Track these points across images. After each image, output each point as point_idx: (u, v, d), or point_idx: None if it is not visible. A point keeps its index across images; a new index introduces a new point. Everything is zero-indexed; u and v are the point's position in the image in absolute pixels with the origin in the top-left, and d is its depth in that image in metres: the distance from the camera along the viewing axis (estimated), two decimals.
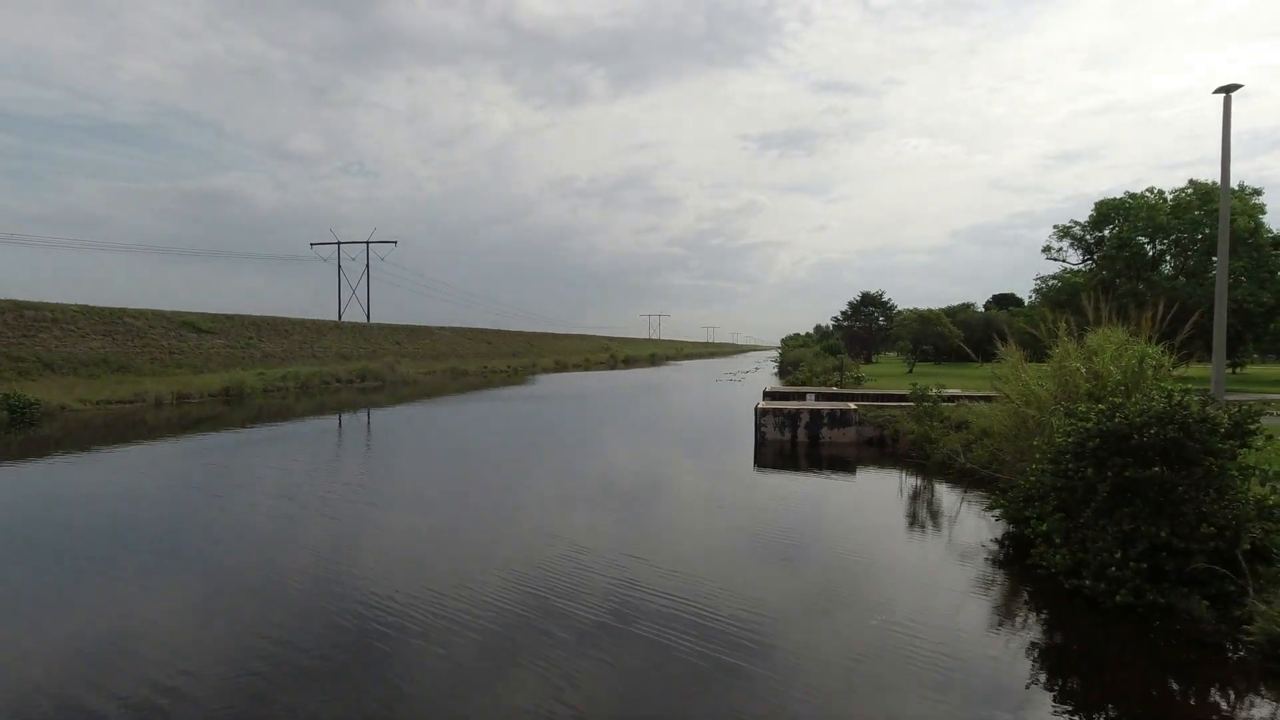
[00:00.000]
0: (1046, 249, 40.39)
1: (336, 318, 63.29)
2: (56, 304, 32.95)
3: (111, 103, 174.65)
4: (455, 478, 13.44)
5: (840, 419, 17.23)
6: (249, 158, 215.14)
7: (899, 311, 61.20)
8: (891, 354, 66.61)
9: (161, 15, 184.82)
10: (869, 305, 68.97)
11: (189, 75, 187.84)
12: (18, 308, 30.75)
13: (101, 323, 33.74)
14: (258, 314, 45.62)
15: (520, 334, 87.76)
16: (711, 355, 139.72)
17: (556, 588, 7.14)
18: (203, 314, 40.82)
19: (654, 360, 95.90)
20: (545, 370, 64.18)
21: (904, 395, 18.02)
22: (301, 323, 49.20)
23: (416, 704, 4.92)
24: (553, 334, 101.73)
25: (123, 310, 35.84)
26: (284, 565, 8.03)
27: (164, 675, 5.22)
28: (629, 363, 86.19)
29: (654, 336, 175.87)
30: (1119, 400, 7.52)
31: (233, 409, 26.44)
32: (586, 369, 69.25)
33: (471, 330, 75.18)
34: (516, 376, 53.57)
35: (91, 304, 34.77)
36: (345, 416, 25.26)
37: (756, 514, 10.74)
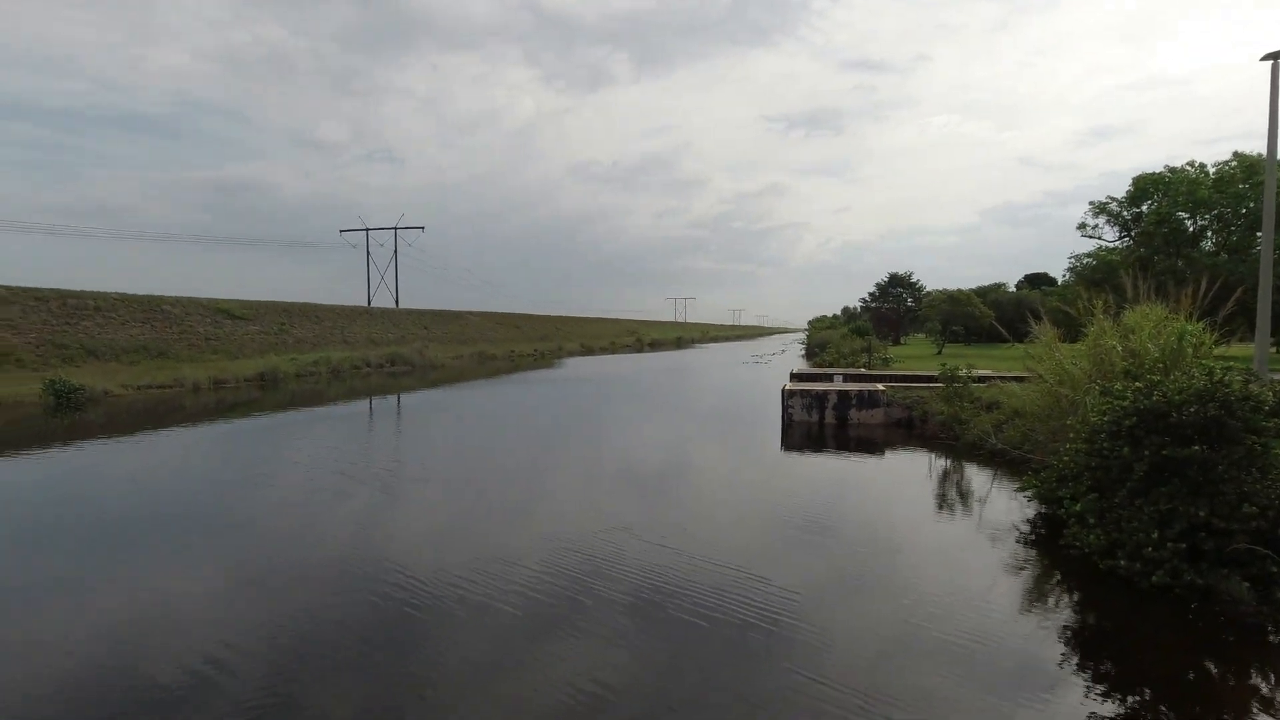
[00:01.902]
0: (1081, 226, 39.38)
1: (366, 303, 64.13)
2: (97, 292, 33.85)
3: (138, 94, 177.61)
4: (491, 459, 13.61)
5: (868, 400, 17.10)
6: (275, 147, 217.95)
7: (927, 292, 60.26)
8: (920, 335, 65.71)
9: (186, 6, 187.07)
10: (897, 286, 67.96)
11: (214, 65, 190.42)
12: (61, 296, 31.66)
13: (140, 310, 34.60)
14: (289, 300, 46.43)
15: (546, 317, 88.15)
16: (737, 338, 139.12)
17: (591, 564, 7.26)
18: (237, 301, 41.63)
19: (680, 343, 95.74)
20: (571, 354, 64.46)
21: (933, 376, 17.82)
22: (332, 308, 49.97)
23: (464, 667, 5.08)
24: (578, 318, 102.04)
25: (160, 298, 36.70)
26: (332, 541, 8.24)
27: (209, 648, 5.41)
28: (655, 346, 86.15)
29: (679, 320, 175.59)
30: (1157, 378, 7.37)
31: (267, 393, 27.00)
32: (612, 352, 69.40)
33: (498, 315, 75.70)
34: (543, 360, 53.89)
35: (130, 292, 35.67)
36: (379, 400, 25.66)
37: (785, 495, 10.74)
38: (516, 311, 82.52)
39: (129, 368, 29.27)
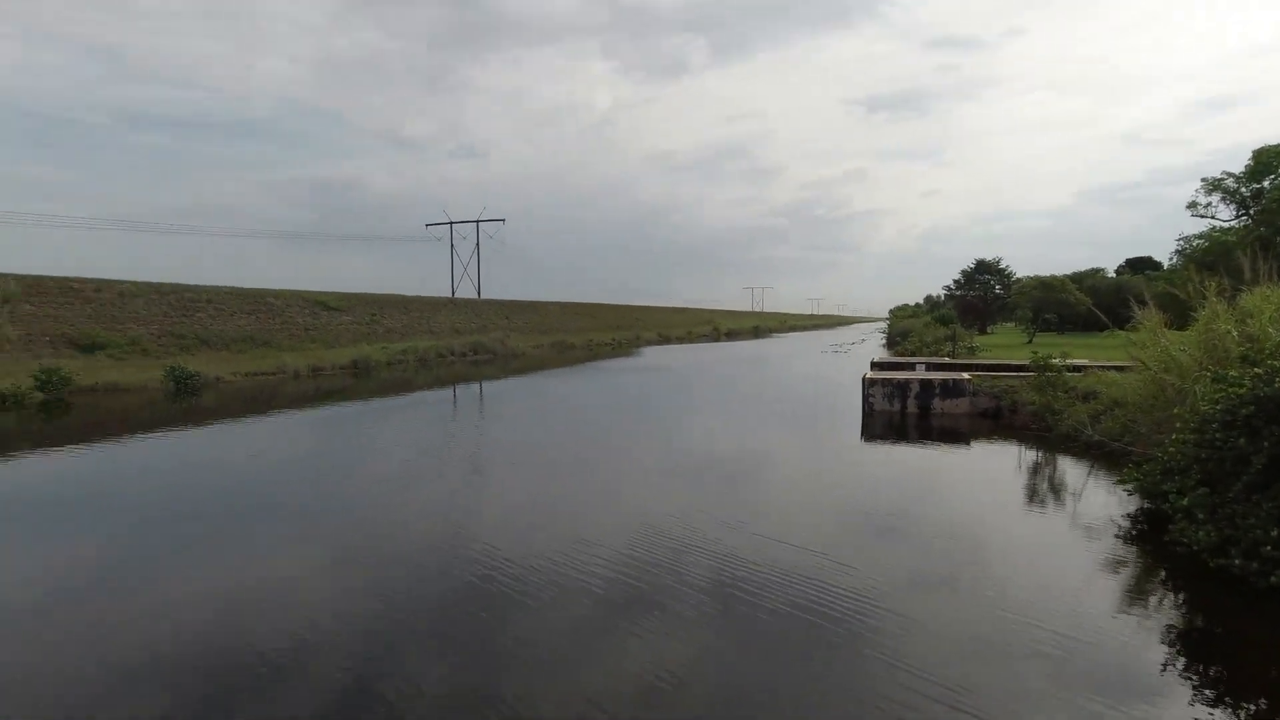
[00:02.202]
0: (1192, 205, 36.72)
1: (450, 294, 66.28)
2: (210, 286, 36.36)
3: (247, 101, 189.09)
4: (573, 444, 13.95)
5: (953, 389, 16.57)
6: (367, 145, 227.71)
7: (1017, 279, 57.45)
8: (1009, 324, 62.76)
9: (290, 15, 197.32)
10: (984, 273, 64.91)
11: (314, 70, 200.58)
12: (179, 290, 34.18)
13: (247, 303, 36.94)
14: (380, 292, 48.59)
15: (624, 307, 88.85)
16: (816, 327, 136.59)
17: (670, 548, 7.37)
18: (332, 293, 43.85)
19: (757, 332, 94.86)
20: (648, 343, 64.83)
21: (1023, 365, 17.10)
22: (419, 300, 51.95)
23: (547, 644, 5.28)
24: (655, 307, 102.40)
25: (264, 291, 39.07)
26: (424, 520, 8.70)
27: (307, 620, 5.77)
28: (731, 335, 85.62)
29: (757, 309, 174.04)
30: (1279, 364, 6.89)
31: (360, 380, 28.40)
32: (689, 342, 69.41)
33: (576, 304, 76.83)
34: (621, 349, 54.44)
35: (238, 286, 38.14)
36: (464, 387, 26.59)
37: (864, 486, 10.59)
38: (595, 301, 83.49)
39: (237, 356, 31.35)
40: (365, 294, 46.71)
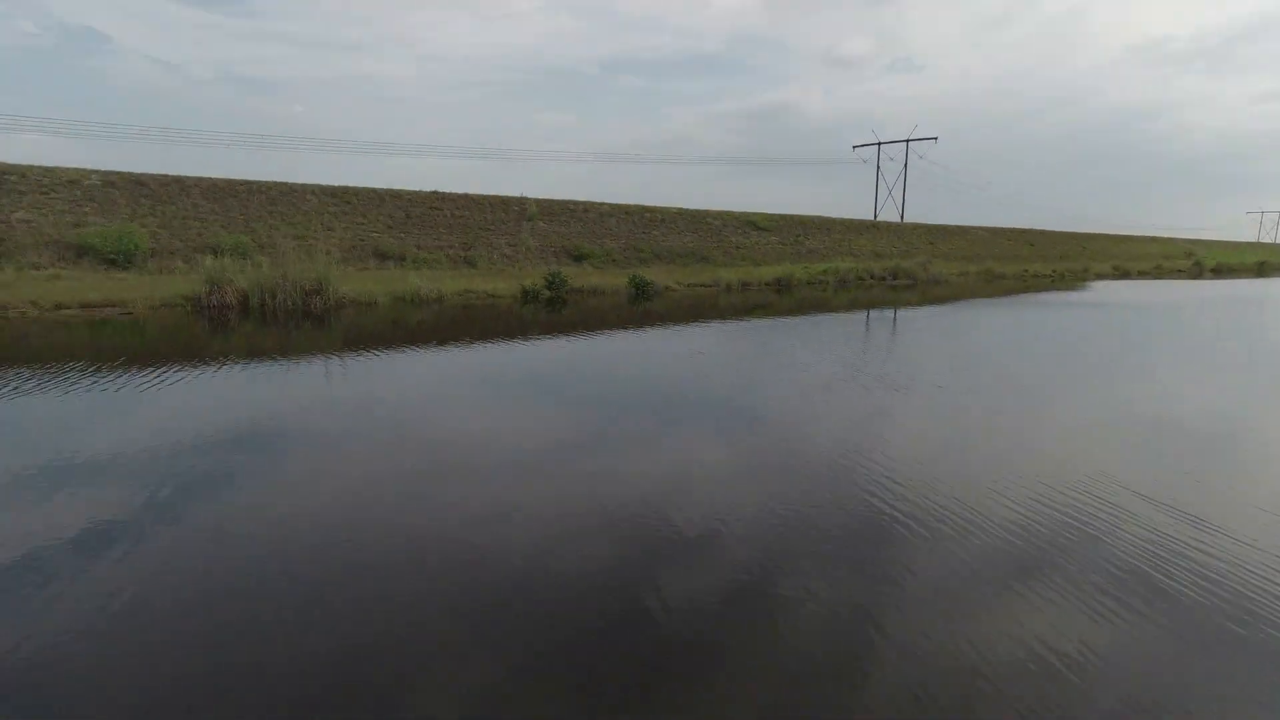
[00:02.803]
0: None
1: (872, 217, 65.20)
2: (662, 208, 42.24)
3: (701, 36, 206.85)
4: (985, 382, 13.34)
5: None
6: (804, 70, 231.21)
7: None
8: None
9: None
10: None
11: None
12: (640, 211, 40.51)
13: (691, 223, 42.00)
14: (804, 214, 50.37)
15: (1070, 235, 76.54)
16: None
17: (1091, 518, 6.72)
18: (761, 214, 47.03)
19: (1262, 270, 72.82)
20: (1100, 277, 55.12)
21: None
22: (841, 222, 52.42)
23: (918, 592, 5.50)
24: (1113, 235, 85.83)
25: (705, 212, 43.86)
26: (822, 435, 9.42)
27: (705, 514, 6.45)
28: (1220, 272, 67.49)
29: (1266, 240, 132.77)
30: None
31: (782, 297, 30.45)
32: (1156, 278, 56.92)
33: (1011, 230, 68.81)
34: (1062, 282, 47.48)
35: (684, 207, 43.49)
36: (881, 311, 26.66)
37: None
38: (1034, 228, 73.62)
39: (681, 269, 36.19)
40: (791, 215, 48.94)
